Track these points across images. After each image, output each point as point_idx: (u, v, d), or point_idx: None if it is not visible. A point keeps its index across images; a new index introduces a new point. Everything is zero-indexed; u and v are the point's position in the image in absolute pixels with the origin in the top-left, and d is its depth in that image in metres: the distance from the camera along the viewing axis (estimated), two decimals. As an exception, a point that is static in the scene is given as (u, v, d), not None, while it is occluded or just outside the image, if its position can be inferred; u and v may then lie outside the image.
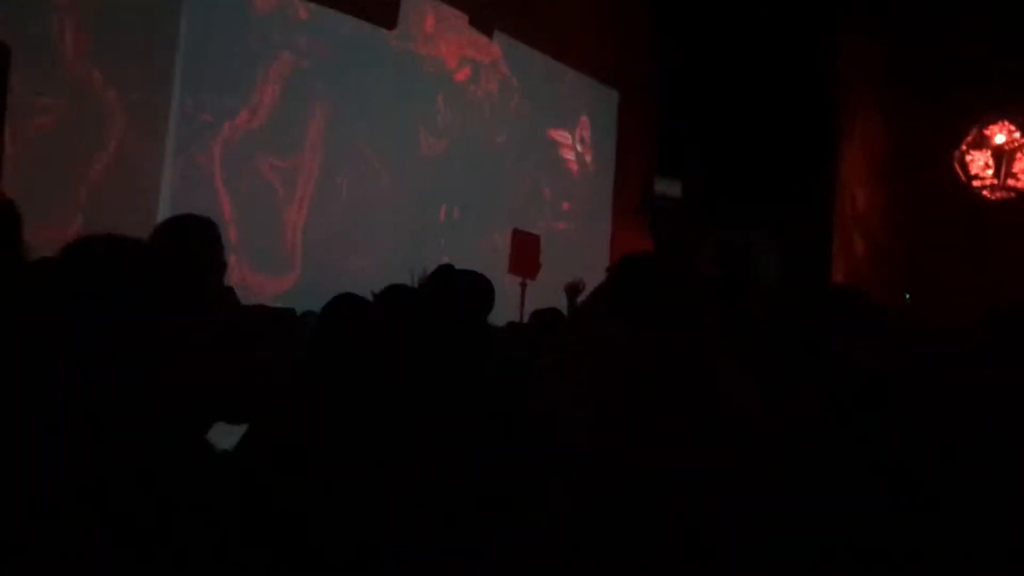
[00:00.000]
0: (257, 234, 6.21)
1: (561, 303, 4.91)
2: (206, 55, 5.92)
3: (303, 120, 6.64)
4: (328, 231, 6.77)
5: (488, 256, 7.75)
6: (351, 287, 2.57)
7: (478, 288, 3.21)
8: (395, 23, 7.18)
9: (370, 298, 2.60)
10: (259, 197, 6.31)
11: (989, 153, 8.57)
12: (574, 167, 9.31)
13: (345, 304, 2.44)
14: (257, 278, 6.19)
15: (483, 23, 7.90)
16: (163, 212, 5.38)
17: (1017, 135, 8.55)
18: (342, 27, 6.81)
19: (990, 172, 8.57)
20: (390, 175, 7.33)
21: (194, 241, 2.61)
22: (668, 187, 9.39)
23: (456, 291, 3.11)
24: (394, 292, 2.71)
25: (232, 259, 3.14)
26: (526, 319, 6.89)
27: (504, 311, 7.16)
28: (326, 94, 6.76)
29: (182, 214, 2.80)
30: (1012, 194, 8.66)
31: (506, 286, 7.76)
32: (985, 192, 8.73)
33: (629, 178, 9.70)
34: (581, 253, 9.07)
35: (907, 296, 10.06)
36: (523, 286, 7.47)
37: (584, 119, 9.36)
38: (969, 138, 8.71)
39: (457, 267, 3.35)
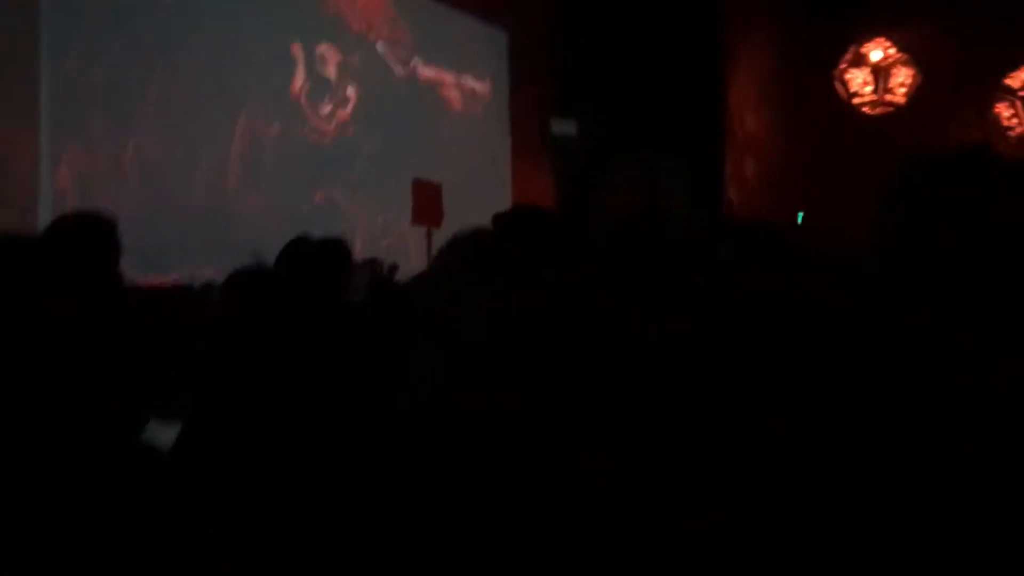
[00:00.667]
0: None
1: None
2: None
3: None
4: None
5: (393, 208, 7.74)
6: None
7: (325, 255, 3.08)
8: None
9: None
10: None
11: (868, 70, 8.87)
12: (470, 110, 9.27)
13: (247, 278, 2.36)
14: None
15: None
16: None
17: (892, 51, 8.85)
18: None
19: (869, 89, 8.87)
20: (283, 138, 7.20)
21: (86, 238, 2.54)
22: (565, 126, 9.45)
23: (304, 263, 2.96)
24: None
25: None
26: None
27: (413, 264, 7.21)
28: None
29: (77, 211, 2.72)
30: (890, 108, 9.00)
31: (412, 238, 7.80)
32: (865, 108, 9.05)
33: (525, 119, 9.71)
34: (483, 197, 9.09)
35: (799, 215, 10.44)
36: (428, 235, 7.47)
37: (475, 61, 9.29)
38: (848, 56, 8.98)
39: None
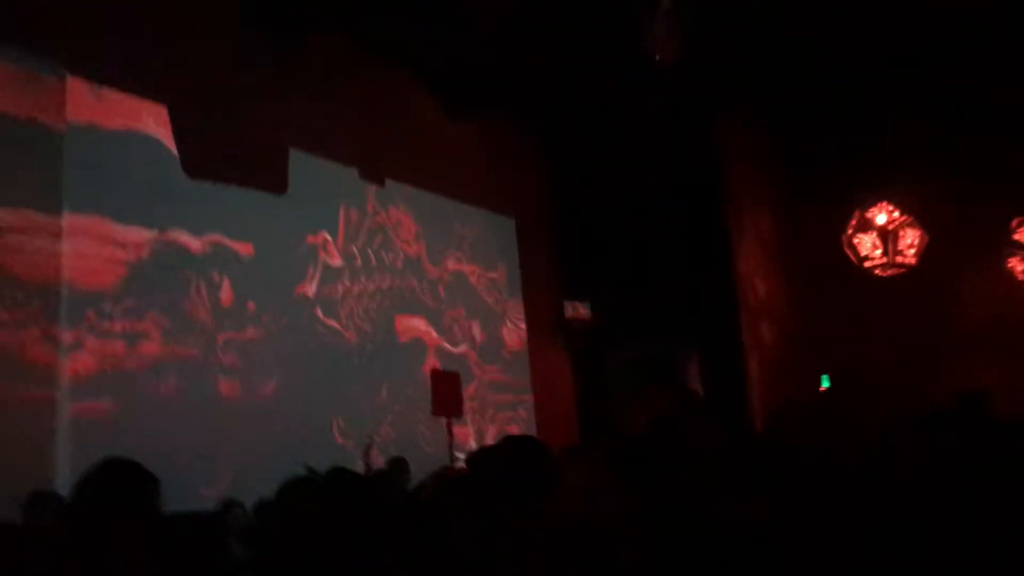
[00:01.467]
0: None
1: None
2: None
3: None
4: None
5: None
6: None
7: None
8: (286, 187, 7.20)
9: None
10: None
11: (875, 234, 9.00)
12: (487, 298, 9.35)
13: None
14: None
15: (373, 174, 8.05)
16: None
17: (896, 214, 9.01)
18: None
19: (879, 252, 8.98)
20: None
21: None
22: (578, 308, 9.52)
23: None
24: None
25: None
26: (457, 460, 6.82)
27: (435, 455, 7.06)
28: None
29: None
30: (902, 270, 9.07)
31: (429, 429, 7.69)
32: (877, 271, 9.12)
33: (538, 303, 9.78)
34: (503, 382, 9.09)
35: (824, 378, 10.32)
36: (449, 426, 7.37)
37: (489, 251, 9.46)
38: (854, 222, 9.14)
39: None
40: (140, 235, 6.05)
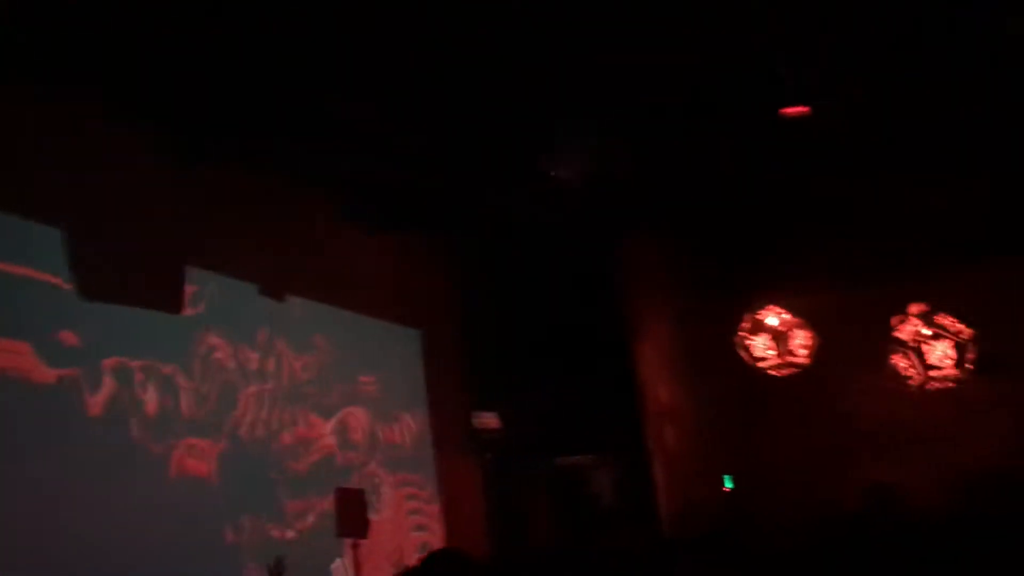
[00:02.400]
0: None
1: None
2: None
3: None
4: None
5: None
6: None
7: None
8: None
9: None
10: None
11: (767, 335, 9.35)
12: (389, 411, 9.25)
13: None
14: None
15: (274, 290, 8.00)
16: None
17: (787, 316, 9.40)
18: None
19: (771, 352, 9.31)
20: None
21: None
22: (485, 419, 9.55)
23: None
24: None
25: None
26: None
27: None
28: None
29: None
30: (796, 369, 9.42)
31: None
32: (771, 371, 9.45)
33: (445, 413, 9.74)
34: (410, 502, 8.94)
35: (726, 479, 10.51)
36: (354, 547, 7.13)
37: (391, 363, 9.41)
38: (747, 324, 9.47)
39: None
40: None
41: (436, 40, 6.31)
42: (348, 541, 7.16)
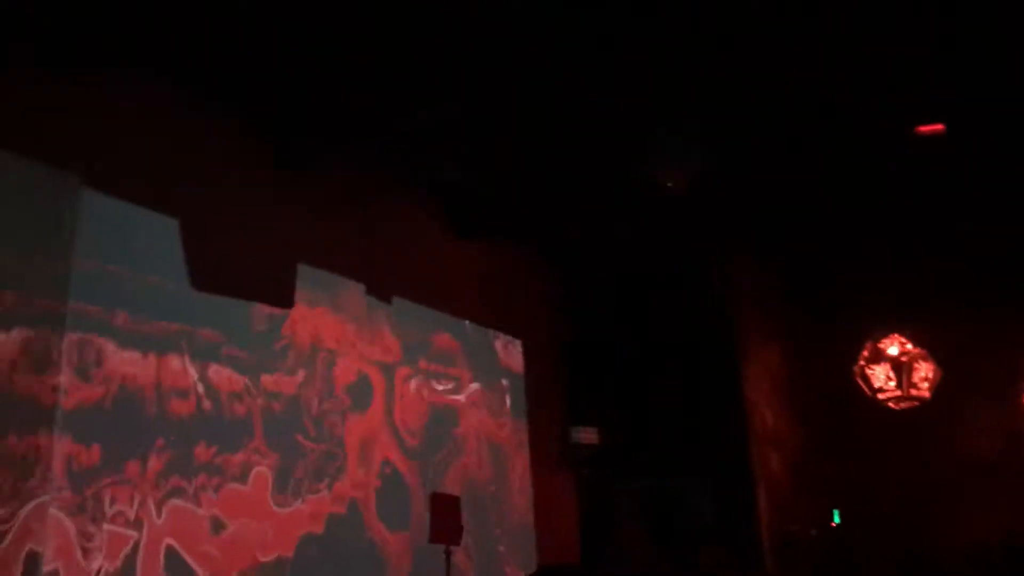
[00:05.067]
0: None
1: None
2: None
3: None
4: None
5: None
6: None
7: None
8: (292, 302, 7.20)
9: None
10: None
11: (888, 366, 8.90)
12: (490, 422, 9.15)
13: None
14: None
15: (380, 292, 8.07)
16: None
17: (909, 347, 8.93)
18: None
19: (892, 384, 8.86)
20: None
21: None
22: (584, 435, 9.39)
23: None
24: None
25: None
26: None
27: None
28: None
29: None
30: (916, 403, 8.95)
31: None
32: (891, 403, 8.99)
33: (543, 425, 9.60)
34: (503, 508, 8.81)
35: (835, 513, 10.04)
36: (447, 554, 7.02)
37: (498, 376, 9.32)
38: (866, 353, 9.05)
39: None
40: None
41: (545, 53, 6.20)
42: (442, 548, 7.07)
